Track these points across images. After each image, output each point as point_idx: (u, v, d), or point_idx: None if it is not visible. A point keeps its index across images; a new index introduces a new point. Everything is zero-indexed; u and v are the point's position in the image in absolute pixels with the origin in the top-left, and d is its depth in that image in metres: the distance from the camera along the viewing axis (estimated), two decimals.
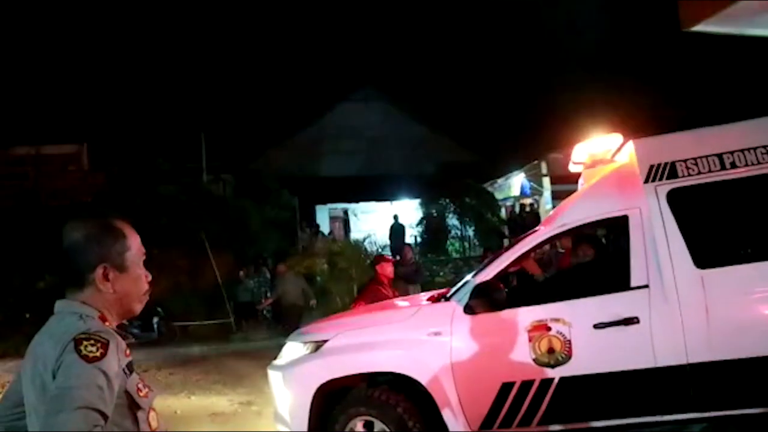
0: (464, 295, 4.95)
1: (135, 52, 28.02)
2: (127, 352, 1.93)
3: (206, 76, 28.17)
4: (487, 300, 4.82)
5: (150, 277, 2.10)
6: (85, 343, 1.78)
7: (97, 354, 1.78)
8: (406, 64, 31.55)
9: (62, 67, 25.79)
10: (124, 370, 1.87)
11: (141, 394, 1.91)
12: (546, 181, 22.55)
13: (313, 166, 28.35)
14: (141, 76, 27.02)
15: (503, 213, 24.81)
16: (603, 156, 5.47)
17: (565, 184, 14.80)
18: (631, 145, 5.12)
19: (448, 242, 23.29)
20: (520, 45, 27.57)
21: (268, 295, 16.07)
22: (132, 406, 1.88)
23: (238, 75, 29.10)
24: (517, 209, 23.96)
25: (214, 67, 28.84)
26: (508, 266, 5.12)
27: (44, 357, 1.82)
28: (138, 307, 2.06)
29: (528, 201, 23.94)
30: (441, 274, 19.11)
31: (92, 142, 21.89)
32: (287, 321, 13.34)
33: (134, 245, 2.03)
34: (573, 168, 5.94)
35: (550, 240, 5.52)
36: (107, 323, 1.94)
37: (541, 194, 23.12)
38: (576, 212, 5.16)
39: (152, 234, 15.59)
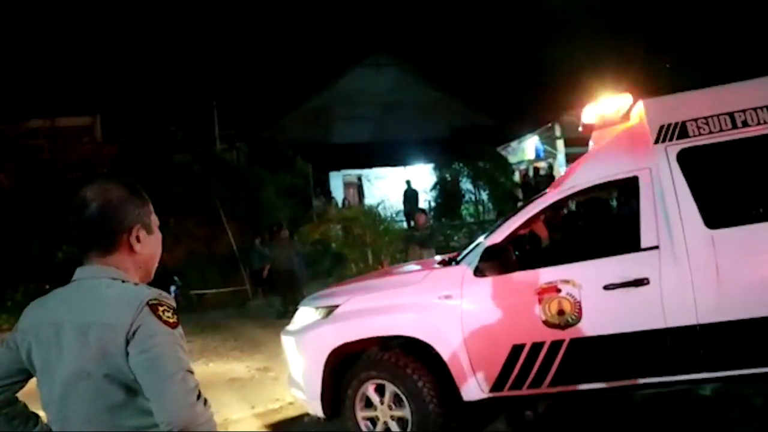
0: (474, 258, 4.95)
1: (147, 23, 27.93)
2: None
3: (217, 45, 28.05)
4: (496, 262, 4.81)
5: None
6: (160, 308, 1.78)
7: (175, 320, 1.80)
8: (417, 28, 31.23)
9: (75, 39, 25.78)
10: None
11: None
12: (560, 143, 22.33)
13: (326, 132, 28.24)
14: (152, 47, 26.97)
15: (517, 176, 24.66)
16: (613, 117, 5.40)
17: (579, 147, 14.69)
18: (641, 105, 5.05)
19: (462, 206, 23.20)
20: (532, 6, 27.13)
21: None
22: None
23: (249, 43, 28.95)
24: (531, 173, 23.82)
25: (225, 36, 28.70)
26: (518, 229, 5.10)
27: (104, 323, 1.76)
28: (153, 271, 2.04)
29: (542, 164, 23.78)
30: (455, 238, 19.04)
31: (105, 113, 21.95)
32: (278, 286, 13.55)
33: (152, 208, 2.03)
34: (583, 129, 5.89)
35: (560, 202, 5.47)
36: None
37: (555, 157, 22.93)
38: (585, 174, 5.10)
39: (167, 204, 15.77)
